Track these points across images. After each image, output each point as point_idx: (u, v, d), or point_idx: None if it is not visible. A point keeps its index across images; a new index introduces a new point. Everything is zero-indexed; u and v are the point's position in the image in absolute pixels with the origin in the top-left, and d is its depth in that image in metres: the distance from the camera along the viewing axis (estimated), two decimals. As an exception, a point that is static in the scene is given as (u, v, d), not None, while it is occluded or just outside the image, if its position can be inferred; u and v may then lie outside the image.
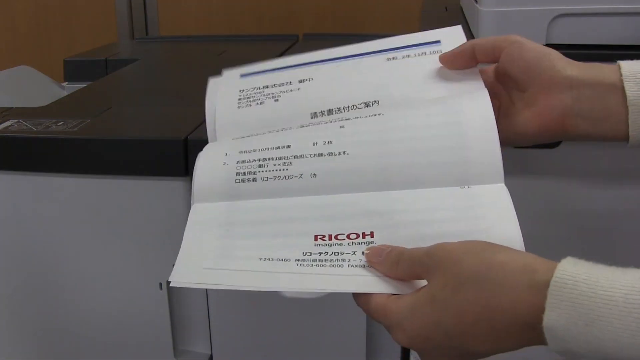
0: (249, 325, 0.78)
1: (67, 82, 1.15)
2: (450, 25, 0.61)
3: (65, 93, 1.10)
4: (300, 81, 0.56)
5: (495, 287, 0.38)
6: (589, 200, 0.72)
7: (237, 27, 1.81)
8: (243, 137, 0.54)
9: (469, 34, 0.68)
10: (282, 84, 0.56)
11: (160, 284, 0.75)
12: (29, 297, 0.80)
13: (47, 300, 0.79)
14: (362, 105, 0.54)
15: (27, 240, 0.77)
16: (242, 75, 0.58)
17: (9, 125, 0.74)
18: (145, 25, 2.00)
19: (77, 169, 0.72)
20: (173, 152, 0.68)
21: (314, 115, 0.54)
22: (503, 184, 0.49)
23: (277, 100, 0.55)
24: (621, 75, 0.49)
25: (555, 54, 0.52)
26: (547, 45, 0.70)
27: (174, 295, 0.77)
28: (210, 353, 0.80)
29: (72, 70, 1.16)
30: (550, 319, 0.36)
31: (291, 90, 0.55)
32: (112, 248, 0.75)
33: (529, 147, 0.69)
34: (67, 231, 0.75)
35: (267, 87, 0.56)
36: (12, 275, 0.79)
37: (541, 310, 0.36)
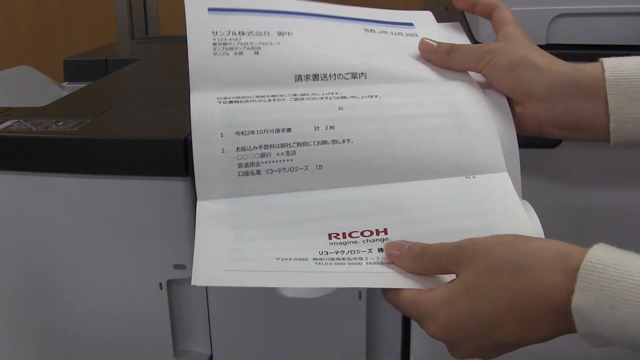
0: (249, 325, 0.78)
1: (67, 82, 1.15)
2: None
3: (65, 93, 1.10)
4: (280, 34, 0.54)
5: (530, 273, 0.39)
6: (588, 200, 0.72)
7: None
8: (231, 101, 0.51)
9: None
10: (259, 33, 0.54)
11: (160, 284, 0.75)
12: (29, 297, 0.80)
13: (47, 300, 0.79)
14: (349, 75, 0.53)
15: (27, 240, 0.76)
16: (211, 10, 0.55)
17: (9, 125, 0.74)
18: (145, 25, 2.00)
19: (77, 169, 0.72)
20: (173, 152, 0.68)
21: (299, 77, 0.52)
22: (506, 172, 0.50)
23: (257, 53, 0.53)
24: (604, 80, 0.48)
25: (532, 63, 0.50)
26: (547, 45, 0.70)
27: (174, 295, 0.77)
28: (210, 353, 0.80)
29: (72, 70, 1.16)
30: (579, 300, 0.36)
31: (271, 44, 0.53)
32: (112, 248, 0.75)
33: (528, 147, 0.69)
34: (67, 231, 0.75)
35: (243, 33, 0.53)
36: (12, 275, 0.79)
37: (572, 293, 0.37)
